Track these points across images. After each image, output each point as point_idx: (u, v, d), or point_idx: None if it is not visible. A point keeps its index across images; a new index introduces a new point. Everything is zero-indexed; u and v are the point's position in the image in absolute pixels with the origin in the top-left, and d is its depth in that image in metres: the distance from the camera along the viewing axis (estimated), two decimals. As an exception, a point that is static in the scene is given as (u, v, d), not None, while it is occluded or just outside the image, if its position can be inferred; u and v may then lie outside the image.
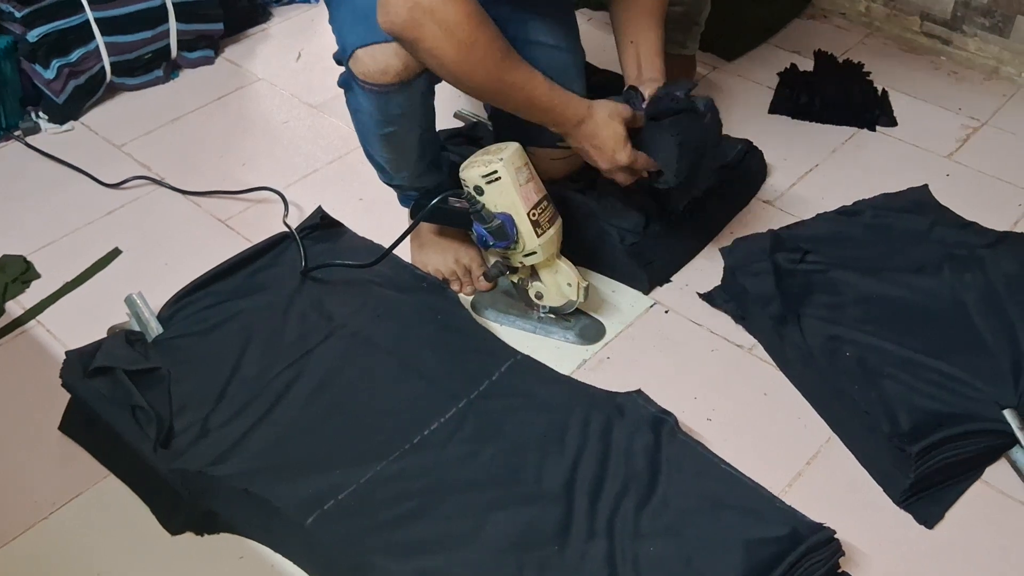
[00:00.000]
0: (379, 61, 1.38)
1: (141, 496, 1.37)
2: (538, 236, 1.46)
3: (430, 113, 1.52)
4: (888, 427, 1.35)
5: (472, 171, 1.44)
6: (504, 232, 1.46)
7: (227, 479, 1.29)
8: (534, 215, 1.46)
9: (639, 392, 1.43)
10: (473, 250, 1.67)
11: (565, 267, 1.52)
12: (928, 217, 1.73)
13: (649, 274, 1.68)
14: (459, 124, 1.98)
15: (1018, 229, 1.76)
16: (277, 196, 1.87)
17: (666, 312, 1.65)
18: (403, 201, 1.71)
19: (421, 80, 1.42)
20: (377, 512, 1.26)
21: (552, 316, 1.59)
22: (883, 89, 2.07)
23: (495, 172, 1.43)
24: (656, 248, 1.68)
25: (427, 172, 1.62)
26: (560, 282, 1.52)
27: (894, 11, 2.31)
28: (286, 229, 1.70)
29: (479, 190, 1.45)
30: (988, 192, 1.88)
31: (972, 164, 1.95)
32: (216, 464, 1.31)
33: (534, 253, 1.48)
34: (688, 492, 1.29)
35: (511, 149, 1.45)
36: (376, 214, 1.82)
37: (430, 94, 1.49)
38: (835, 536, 1.23)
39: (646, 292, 1.68)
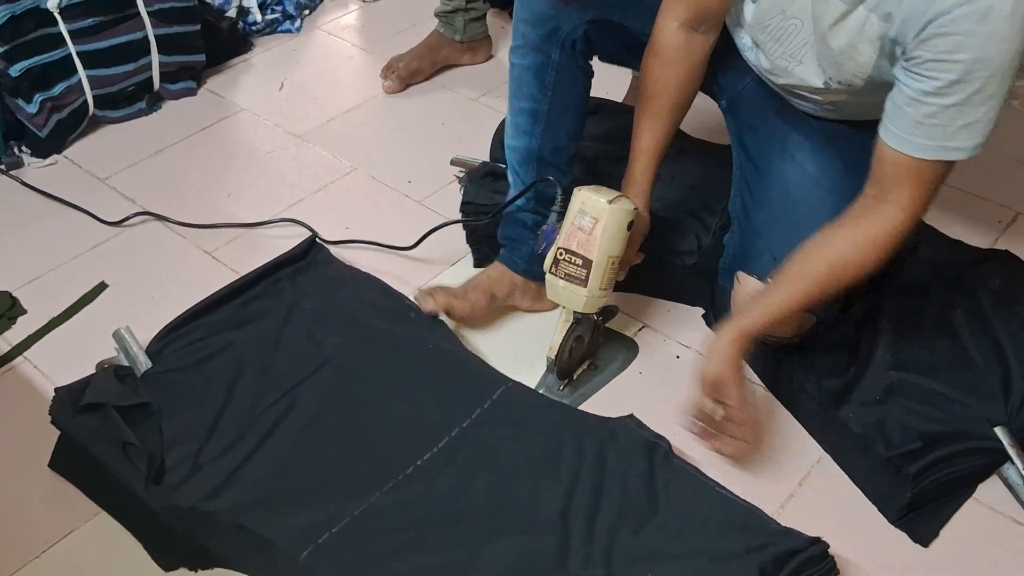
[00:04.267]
0: None
1: (134, 532, 1.35)
2: (550, 271, 1.45)
3: (576, 80, 1.55)
4: (884, 448, 1.36)
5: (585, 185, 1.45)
6: (539, 236, 1.51)
7: (220, 514, 1.28)
8: (561, 254, 1.43)
9: (631, 417, 1.43)
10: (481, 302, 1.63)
11: (559, 334, 1.49)
12: (912, 237, 1.74)
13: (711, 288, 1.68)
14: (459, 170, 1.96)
15: (999, 246, 1.78)
16: (261, 228, 1.88)
17: (655, 336, 1.66)
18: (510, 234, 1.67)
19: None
20: (372, 544, 1.26)
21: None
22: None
23: (573, 195, 1.43)
24: (711, 263, 1.67)
25: (557, 162, 1.59)
26: (555, 337, 1.50)
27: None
28: (271, 260, 1.69)
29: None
30: (969, 210, 1.90)
31: (951, 182, 1.94)
32: (209, 499, 1.30)
33: (544, 277, 1.47)
34: (683, 516, 1.29)
35: (598, 195, 1.40)
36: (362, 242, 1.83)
37: (579, 61, 1.52)
38: (829, 550, 1.23)
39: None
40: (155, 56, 2.17)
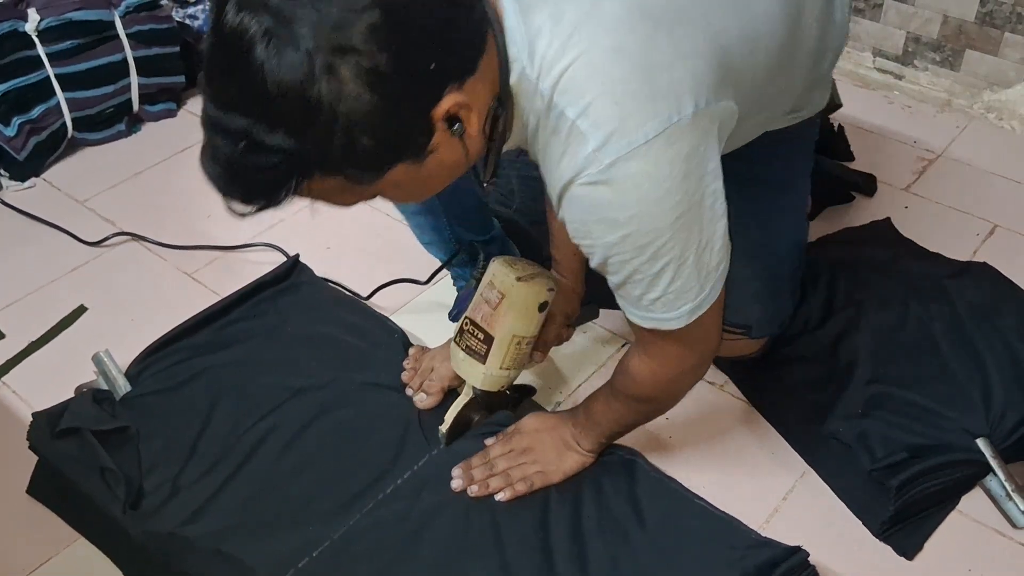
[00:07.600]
0: None
1: (112, 559, 1.34)
2: (455, 340, 1.37)
3: None
4: (867, 461, 1.36)
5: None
6: (456, 302, 1.50)
7: (199, 539, 1.27)
8: (466, 325, 1.34)
9: None
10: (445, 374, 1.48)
11: (453, 408, 1.40)
12: (892, 250, 1.75)
13: None
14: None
15: (978, 258, 1.79)
16: (242, 250, 1.87)
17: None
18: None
19: None
20: (354, 566, 1.25)
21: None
22: (839, 125, 2.10)
23: (486, 267, 1.36)
24: None
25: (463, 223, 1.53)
26: (451, 408, 1.41)
27: (847, 48, 2.36)
28: (253, 281, 1.68)
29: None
30: (947, 223, 1.91)
31: (930, 195, 1.99)
32: (187, 524, 1.29)
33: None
34: (665, 530, 1.29)
35: (509, 269, 1.31)
36: (344, 262, 1.82)
37: None
38: (809, 558, 1.24)
39: None
40: (134, 78, 2.17)
